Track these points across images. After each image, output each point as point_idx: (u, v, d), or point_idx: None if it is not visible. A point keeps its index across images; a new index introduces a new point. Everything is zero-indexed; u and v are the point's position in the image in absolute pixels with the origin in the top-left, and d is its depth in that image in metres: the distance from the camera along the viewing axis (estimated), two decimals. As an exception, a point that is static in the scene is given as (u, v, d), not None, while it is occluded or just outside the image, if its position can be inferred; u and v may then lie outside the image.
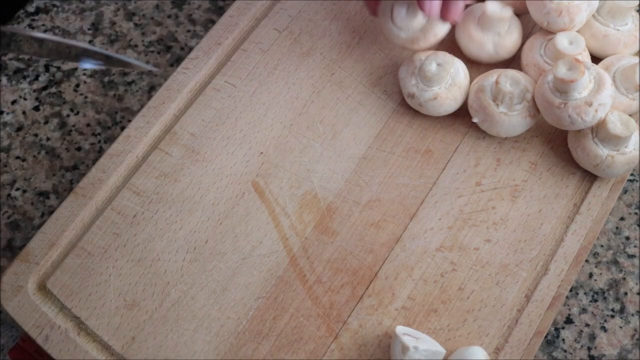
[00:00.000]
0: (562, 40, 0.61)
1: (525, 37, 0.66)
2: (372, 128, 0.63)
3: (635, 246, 0.63)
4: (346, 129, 0.63)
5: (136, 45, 0.72)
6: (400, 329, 0.55)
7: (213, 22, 0.73)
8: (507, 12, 0.63)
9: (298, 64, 0.66)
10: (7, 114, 0.69)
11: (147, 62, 0.71)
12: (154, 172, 0.61)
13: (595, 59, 0.64)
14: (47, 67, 0.71)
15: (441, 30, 0.62)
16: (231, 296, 0.57)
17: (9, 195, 0.65)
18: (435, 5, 0.59)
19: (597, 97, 0.58)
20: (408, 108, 0.64)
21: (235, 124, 0.63)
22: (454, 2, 0.61)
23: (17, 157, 0.67)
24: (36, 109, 0.69)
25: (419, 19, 0.62)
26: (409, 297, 0.57)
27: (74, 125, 0.68)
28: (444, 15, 0.61)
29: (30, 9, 0.74)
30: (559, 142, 0.63)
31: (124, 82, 0.70)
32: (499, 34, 0.64)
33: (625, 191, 0.65)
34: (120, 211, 0.60)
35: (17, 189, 0.66)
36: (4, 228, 0.64)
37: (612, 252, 0.63)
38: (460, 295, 0.57)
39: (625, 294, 0.61)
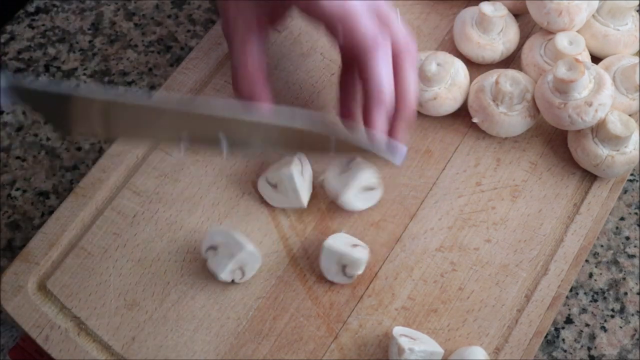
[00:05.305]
0: (562, 40, 0.61)
1: (525, 37, 0.66)
2: (372, 128, 0.63)
3: (635, 246, 0.63)
4: (346, 129, 0.63)
5: (136, 45, 0.72)
6: (398, 330, 0.54)
7: (213, 22, 0.73)
8: (502, 11, 0.63)
9: (298, 64, 0.66)
10: (7, 114, 0.69)
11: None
12: (154, 172, 0.61)
13: (595, 59, 0.64)
14: (47, 67, 0.71)
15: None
16: (231, 296, 0.57)
17: (9, 195, 0.65)
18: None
19: (597, 97, 0.58)
20: (408, 108, 0.64)
21: (235, 124, 0.63)
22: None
23: (17, 157, 0.67)
24: (36, 109, 0.69)
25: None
26: (409, 297, 0.57)
27: (74, 125, 0.68)
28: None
29: (30, 9, 0.74)
30: (559, 142, 0.63)
31: (124, 82, 0.70)
32: (495, 34, 0.64)
33: (625, 191, 0.65)
34: (120, 211, 0.60)
35: (17, 189, 0.66)
36: (4, 228, 0.64)
37: (612, 252, 0.63)
38: (460, 295, 0.57)
39: (625, 294, 0.61)
